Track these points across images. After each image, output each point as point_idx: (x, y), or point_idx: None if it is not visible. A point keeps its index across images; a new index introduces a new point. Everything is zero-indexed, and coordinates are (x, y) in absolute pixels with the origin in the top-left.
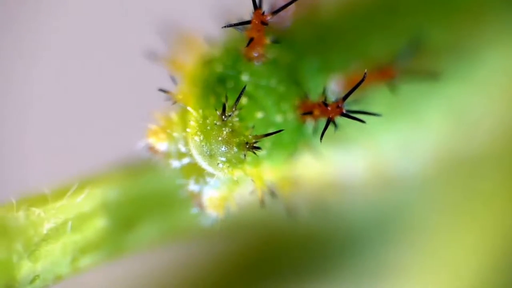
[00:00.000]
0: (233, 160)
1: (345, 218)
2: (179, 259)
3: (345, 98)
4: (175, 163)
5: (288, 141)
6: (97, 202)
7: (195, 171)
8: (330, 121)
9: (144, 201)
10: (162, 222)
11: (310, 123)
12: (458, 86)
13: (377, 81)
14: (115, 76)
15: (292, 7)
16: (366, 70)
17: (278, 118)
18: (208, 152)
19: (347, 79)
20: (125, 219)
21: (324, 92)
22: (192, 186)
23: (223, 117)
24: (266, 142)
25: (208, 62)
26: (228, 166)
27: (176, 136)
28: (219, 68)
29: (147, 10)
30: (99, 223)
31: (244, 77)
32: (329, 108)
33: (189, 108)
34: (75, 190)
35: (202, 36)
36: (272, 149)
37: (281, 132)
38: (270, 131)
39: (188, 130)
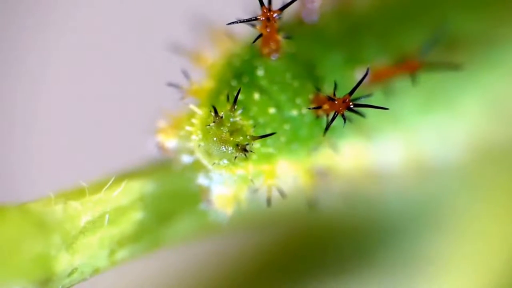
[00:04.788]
0: (232, 159)
1: (382, 208)
2: (216, 250)
3: (351, 92)
4: (186, 159)
5: (306, 135)
6: (134, 196)
7: (202, 167)
8: (337, 115)
9: (180, 194)
10: (198, 215)
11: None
12: (492, 75)
13: (402, 72)
14: (128, 72)
15: (320, 1)
16: (369, 66)
17: (293, 113)
18: (205, 151)
19: (373, 71)
20: (162, 212)
21: (335, 86)
22: (201, 181)
23: (218, 117)
24: (280, 138)
25: (227, 57)
26: (227, 165)
27: (184, 133)
28: (236, 63)
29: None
30: (136, 216)
31: (259, 72)
32: (336, 103)
33: (192, 106)
34: (112, 184)
35: (229, 31)
36: (288, 145)
37: (296, 127)
38: (285, 126)
39: (187, 128)
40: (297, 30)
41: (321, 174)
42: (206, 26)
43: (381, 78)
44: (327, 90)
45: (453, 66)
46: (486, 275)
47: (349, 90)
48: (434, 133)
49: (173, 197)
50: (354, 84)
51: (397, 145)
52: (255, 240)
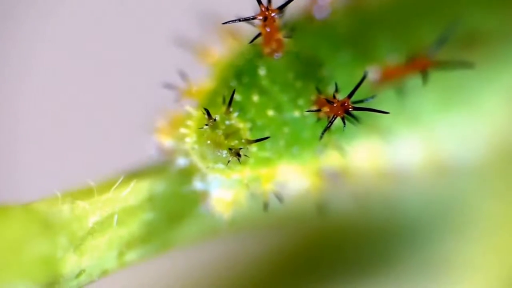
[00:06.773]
0: (226, 163)
1: (399, 210)
2: (226, 253)
3: (350, 95)
4: (183, 161)
5: (309, 138)
6: (143, 196)
7: (198, 170)
8: (335, 118)
9: (189, 195)
10: (207, 216)
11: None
12: None
13: (414, 71)
14: (125, 71)
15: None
16: (366, 69)
17: (294, 115)
18: (200, 154)
19: (383, 69)
20: (172, 213)
21: (336, 88)
22: (198, 184)
23: (212, 120)
24: (280, 142)
25: (228, 57)
26: (222, 169)
27: (180, 135)
28: (237, 62)
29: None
30: (146, 217)
31: (261, 72)
32: (335, 106)
33: (189, 108)
34: (121, 183)
35: (234, 28)
36: (288, 148)
37: (297, 130)
38: (285, 128)
39: (182, 130)
40: (305, 27)
41: (332, 176)
42: (211, 22)
43: (392, 77)
44: (335, 90)
45: (467, 64)
46: (508, 277)
47: (357, 90)
48: (452, 132)
49: (182, 198)
50: (363, 84)
51: (414, 144)
52: (268, 242)
